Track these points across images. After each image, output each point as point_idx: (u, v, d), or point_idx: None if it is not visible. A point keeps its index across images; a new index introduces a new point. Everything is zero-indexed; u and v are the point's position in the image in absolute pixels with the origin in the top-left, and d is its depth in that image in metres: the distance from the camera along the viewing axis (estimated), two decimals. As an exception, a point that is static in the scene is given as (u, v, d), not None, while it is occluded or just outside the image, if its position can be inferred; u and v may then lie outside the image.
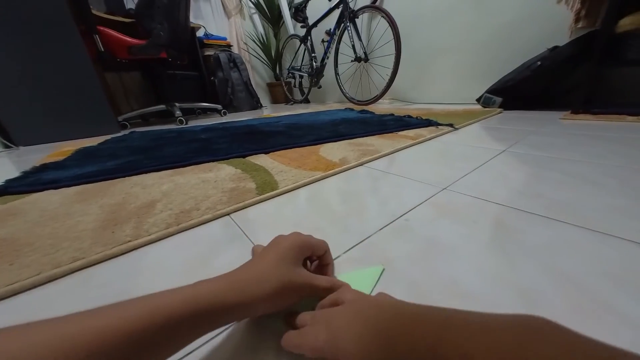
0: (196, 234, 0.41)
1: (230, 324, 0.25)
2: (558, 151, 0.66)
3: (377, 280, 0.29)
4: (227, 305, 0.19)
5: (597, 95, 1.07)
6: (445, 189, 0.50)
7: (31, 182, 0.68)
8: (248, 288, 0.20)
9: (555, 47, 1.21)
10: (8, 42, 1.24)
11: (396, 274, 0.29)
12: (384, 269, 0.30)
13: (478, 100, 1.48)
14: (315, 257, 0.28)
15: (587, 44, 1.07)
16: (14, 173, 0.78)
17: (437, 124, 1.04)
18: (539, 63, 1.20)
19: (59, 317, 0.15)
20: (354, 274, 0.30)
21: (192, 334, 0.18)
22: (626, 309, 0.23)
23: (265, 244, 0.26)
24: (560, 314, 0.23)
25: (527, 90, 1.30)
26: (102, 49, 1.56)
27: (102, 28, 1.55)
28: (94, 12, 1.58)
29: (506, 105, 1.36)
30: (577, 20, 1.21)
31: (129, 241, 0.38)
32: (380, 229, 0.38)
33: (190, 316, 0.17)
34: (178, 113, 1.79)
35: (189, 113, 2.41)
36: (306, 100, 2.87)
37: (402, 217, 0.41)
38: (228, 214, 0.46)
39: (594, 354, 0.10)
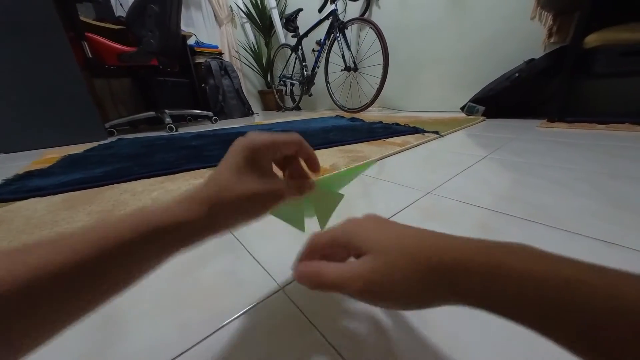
0: (188, 240, 0.42)
1: (224, 323, 0.25)
2: (535, 157, 0.71)
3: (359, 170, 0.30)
4: (179, 223, 0.17)
5: (570, 105, 1.14)
6: (429, 193, 0.52)
7: (14, 189, 0.66)
8: (215, 196, 0.19)
9: (532, 60, 1.30)
10: (-8, 47, 1.22)
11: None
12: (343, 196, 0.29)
13: (462, 108, 1.55)
14: (290, 154, 0.23)
15: (560, 57, 1.15)
16: (-5, 181, 0.76)
17: (423, 132, 1.08)
18: (516, 74, 1.28)
19: None
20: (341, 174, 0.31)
21: (150, 249, 0.17)
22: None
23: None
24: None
25: (507, 99, 1.37)
26: (90, 56, 1.55)
27: (90, 35, 1.54)
28: (82, 18, 1.57)
29: (489, 114, 1.43)
30: (549, 35, 1.30)
31: (120, 247, 0.38)
32: (368, 232, 0.40)
33: (148, 237, 0.16)
34: (168, 120, 1.78)
35: (179, 120, 2.39)
36: (297, 108, 2.91)
37: (389, 220, 0.43)
38: (220, 220, 0.47)
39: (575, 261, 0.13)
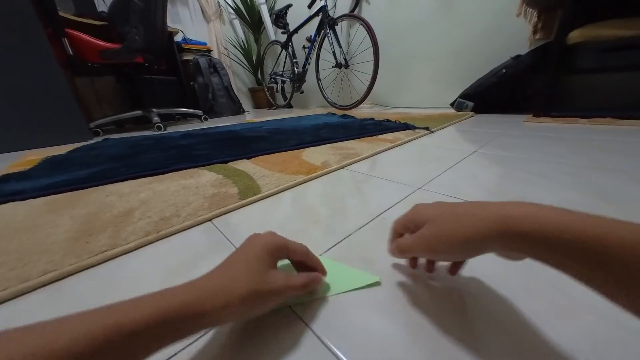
0: (177, 241, 0.41)
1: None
2: (522, 151, 0.72)
3: (361, 288, 0.28)
4: (194, 314, 0.18)
5: (555, 100, 1.18)
6: (420, 188, 0.53)
7: (-8, 194, 0.63)
8: (214, 297, 0.20)
9: (518, 56, 1.32)
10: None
11: (375, 269, 0.31)
12: (379, 283, 0.29)
13: (452, 104, 1.57)
14: (297, 260, 0.27)
15: (545, 54, 1.18)
16: (-29, 185, 0.72)
17: (414, 128, 1.09)
18: (504, 70, 1.30)
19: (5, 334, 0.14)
20: (345, 268, 0.31)
21: (156, 345, 0.18)
22: (577, 294, 0.26)
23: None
24: (522, 296, 0.26)
25: (495, 95, 1.40)
26: (71, 53, 1.49)
27: (70, 31, 1.48)
28: (61, 14, 1.50)
29: (477, 109, 1.46)
30: (535, 32, 1.33)
31: (105, 251, 0.37)
32: (360, 228, 0.40)
33: (155, 328, 0.17)
34: (156, 119, 1.73)
35: (167, 119, 2.33)
36: (289, 105, 2.89)
37: (380, 216, 0.43)
38: (210, 220, 0.46)
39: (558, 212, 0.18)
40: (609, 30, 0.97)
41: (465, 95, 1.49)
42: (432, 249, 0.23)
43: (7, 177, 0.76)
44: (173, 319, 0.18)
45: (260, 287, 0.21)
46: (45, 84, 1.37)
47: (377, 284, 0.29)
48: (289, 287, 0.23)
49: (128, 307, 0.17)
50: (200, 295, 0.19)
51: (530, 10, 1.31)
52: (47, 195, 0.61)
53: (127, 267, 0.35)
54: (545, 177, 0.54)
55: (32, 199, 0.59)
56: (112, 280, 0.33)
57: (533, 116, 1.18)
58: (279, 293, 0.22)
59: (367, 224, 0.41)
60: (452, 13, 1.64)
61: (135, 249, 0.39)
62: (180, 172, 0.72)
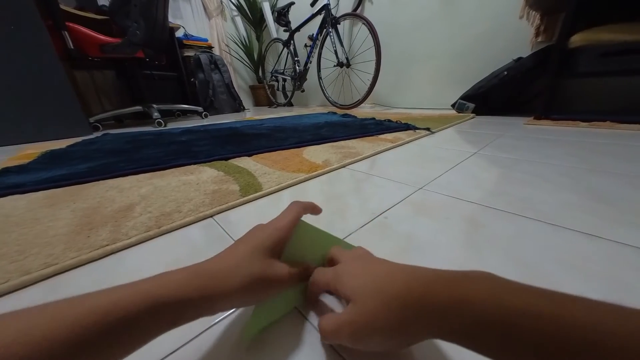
0: (178, 237, 0.41)
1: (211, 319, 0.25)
2: (521, 153, 0.73)
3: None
4: (191, 300, 0.17)
5: (556, 103, 1.18)
6: (421, 188, 0.53)
7: (-9, 186, 0.63)
8: (214, 282, 0.19)
9: (520, 58, 1.33)
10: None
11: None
12: None
13: (453, 105, 1.57)
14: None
15: (546, 57, 1.18)
16: (-31, 177, 0.72)
17: (415, 128, 1.09)
18: (505, 73, 1.30)
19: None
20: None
21: (152, 331, 0.16)
22: (573, 290, 0.27)
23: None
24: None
25: (496, 97, 1.40)
26: (72, 46, 1.48)
27: (71, 24, 1.47)
28: (62, 7, 1.49)
29: (478, 111, 1.46)
30: (537, 34, 1.33)
31: (106, 245, 0.37)
32: (361, 227, 0.40)
33: (150, 312, 0.16)
34: (156, 115, 1.73)
35: (167, 115, 2.33)
36: (289, 104, 2.88)
37: (382, 215, 0.43)
38: (211, 216, 0.46)
39: (521, 288, 0.14)
40: (609, 35, 0.97)
41: (466, 96, 1.49)
42: (367, 338, 0.17)
43: (6, 170, 0.76)
44: (168, 303, 0.16)
45: (263, 274, 0.21)
46: (45, 77, 1.36)
47: None
48: (291, 274, 0.23)
49: (122, 290, 0.16)
50: (199, 280, 0.18)
51: (533, 12, 1.31)
52: (47, 188, 0.61)
53: (128, 261, 0.35)
54: (543, 178, 0.54)
55: (32, 192, 0.59)
56: (112, 274, 0.33)
57: (534, 119, 1.18)
58: (282, 280, 0.22)
59: (367, 223, 0.41)
60: (454, 14, 1.64)
61: (137, 244, 0.39)
62: (181, 168, 0.72)
